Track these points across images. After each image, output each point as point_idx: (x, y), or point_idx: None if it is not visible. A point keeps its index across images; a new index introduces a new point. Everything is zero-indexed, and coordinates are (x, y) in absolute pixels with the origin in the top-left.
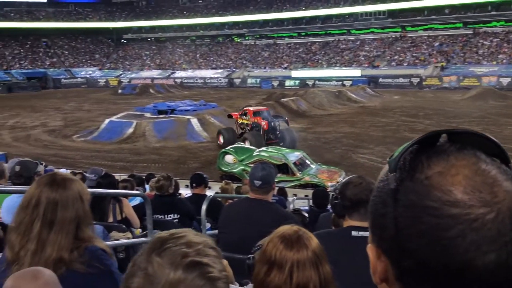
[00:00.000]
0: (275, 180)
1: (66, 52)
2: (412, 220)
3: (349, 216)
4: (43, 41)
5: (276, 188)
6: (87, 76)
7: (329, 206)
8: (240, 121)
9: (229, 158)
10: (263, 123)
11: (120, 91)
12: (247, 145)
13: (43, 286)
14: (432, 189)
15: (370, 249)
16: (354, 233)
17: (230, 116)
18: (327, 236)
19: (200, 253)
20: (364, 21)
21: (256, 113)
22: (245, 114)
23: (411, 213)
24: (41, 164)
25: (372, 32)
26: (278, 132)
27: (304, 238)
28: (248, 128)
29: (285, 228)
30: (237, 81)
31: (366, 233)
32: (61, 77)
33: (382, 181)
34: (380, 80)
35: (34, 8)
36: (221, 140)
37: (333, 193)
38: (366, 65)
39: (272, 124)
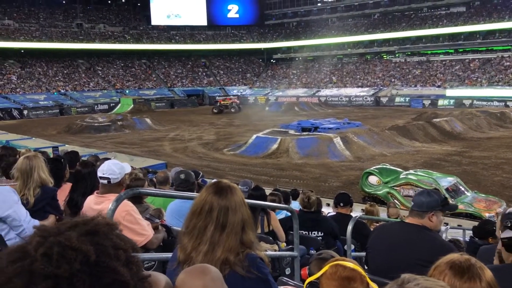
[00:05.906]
0: None
1: (221, 72)
2: None
3: None
4: (202, 61)
5: None
6: (239, 94)
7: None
8: (221, 102)
9: (373, 179)
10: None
11: (267, 108)
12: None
13: (210, 281)
14: None
15: None
16: None
17: (216, 101)
18: (495, 270)
19: None
20: None
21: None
22: (224, 100)
23: None
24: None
25: None
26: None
27: (476, 267)
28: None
29: (454, 256)
30: (384, 100)
31: None
32: (215, 94)
33: None
34: None
35: (196, 31)
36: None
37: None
38: None
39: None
